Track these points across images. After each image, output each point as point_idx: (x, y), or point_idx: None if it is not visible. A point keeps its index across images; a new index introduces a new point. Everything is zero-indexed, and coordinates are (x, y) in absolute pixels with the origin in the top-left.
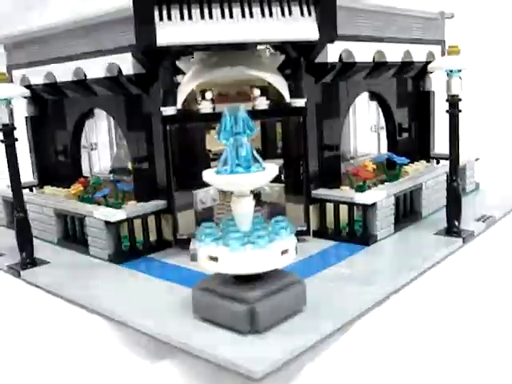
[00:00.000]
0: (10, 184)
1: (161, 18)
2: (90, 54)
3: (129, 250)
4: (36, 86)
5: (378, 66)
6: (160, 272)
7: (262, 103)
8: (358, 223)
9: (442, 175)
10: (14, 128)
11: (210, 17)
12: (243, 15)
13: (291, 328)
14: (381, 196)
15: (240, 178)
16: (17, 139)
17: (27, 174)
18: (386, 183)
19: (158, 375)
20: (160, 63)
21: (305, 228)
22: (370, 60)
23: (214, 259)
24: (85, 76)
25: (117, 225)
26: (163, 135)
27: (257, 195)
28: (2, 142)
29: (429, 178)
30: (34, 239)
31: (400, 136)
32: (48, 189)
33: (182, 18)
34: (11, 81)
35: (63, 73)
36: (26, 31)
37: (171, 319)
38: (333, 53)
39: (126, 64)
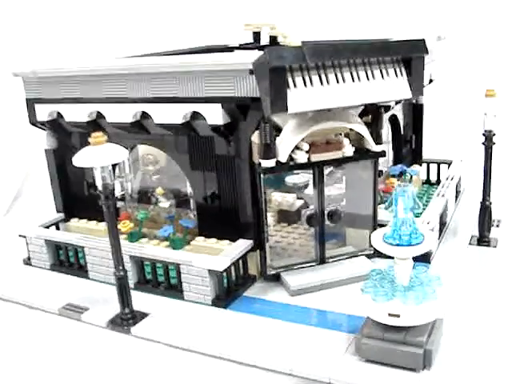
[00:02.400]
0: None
1: (288, 86)
2: (160, 99)
3: (226, 291)
4: (71, 122)
5: None
6: (272, 312)
7: (350, 150)
8: None
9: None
10: (114, 189)
11: (328, 82)
12: (353, 79)
13: (448, 360)
14: (436, 219)
15: (405, 250)
16: (117, 198)
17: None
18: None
19: None
20: (248, 114)
21: (372, 252)
22: None
23: (396, 315)
24: (146, 118)
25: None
26: (254, 182)
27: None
28: (102, 203)
29: (449, 191)
30: (96, 283)
31: (404, 147)
32: (79, 222)
33: (304, 84)
34: (34, 117)
35: (118, 114)
36: (68, 69)
37: (336, 362)
38: None
39: (214, 114)
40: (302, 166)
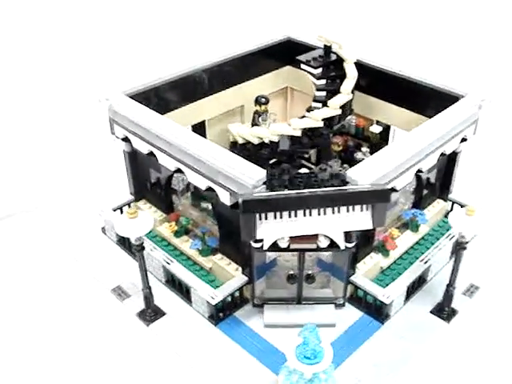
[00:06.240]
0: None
1: (260, 218)
2: (192, 168)
3: (221, 309)
4: (135, 148)
5: None
6: (245, 340)
7: (324, 243)
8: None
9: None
10: (143, 242)
11: (296, 216)
12: (319, 214)
13: None
14: (400, 292)
15: (307, 368)
16: (143, 248)
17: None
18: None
19: None
20: None
21: (342, 302)
22: None
23: None
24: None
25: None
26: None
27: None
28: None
29: (441, 253)
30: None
31: (426, 189)
32: (144, 206)
33: (274, 217)
34: (113, 131)
35: (164, 160)
36: (132, 116)
37: None
38: None
39: (224, 197)
40: (284, 249)
